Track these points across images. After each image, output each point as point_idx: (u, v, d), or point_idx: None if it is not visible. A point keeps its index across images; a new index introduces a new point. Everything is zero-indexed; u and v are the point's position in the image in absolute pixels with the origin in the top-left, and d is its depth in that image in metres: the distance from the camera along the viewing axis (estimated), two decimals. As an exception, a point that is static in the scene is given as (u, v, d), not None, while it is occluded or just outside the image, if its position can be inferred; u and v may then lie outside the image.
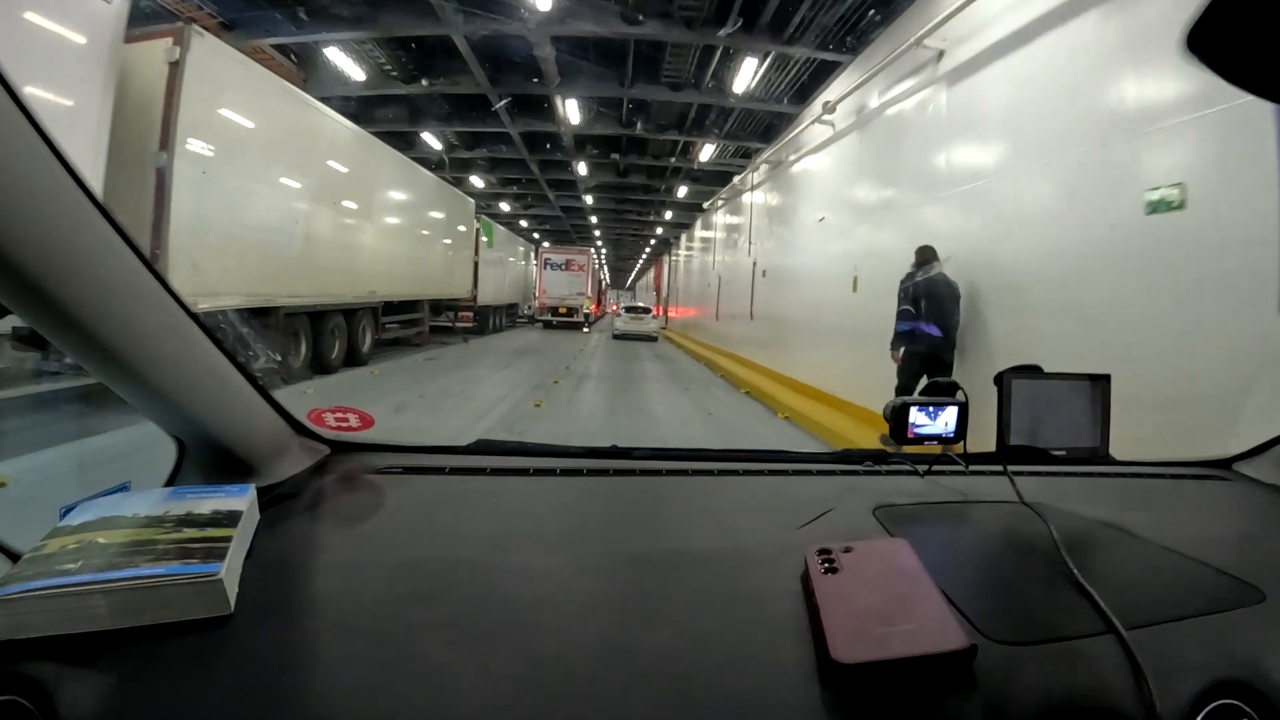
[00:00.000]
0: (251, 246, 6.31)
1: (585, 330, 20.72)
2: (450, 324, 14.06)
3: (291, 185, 7.09)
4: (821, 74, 8.06)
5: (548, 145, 12.59)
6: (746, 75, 8.11)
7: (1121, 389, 0.83)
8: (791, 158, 8.96)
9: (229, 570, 0.52)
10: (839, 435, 5.09)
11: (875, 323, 5.14)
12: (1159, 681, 0.50)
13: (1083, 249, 3.44)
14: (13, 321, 3.56)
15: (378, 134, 9.76)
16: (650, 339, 17.91)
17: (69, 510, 0.60)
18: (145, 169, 5.08)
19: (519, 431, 5.12)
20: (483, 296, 15.36)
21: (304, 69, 9.02)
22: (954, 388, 0.85)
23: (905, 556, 0.60)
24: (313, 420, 0.85)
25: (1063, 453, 0.79)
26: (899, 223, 5.65)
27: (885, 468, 0.96)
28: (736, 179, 12.03)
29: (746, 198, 11.59)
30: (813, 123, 7.58)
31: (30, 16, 3.80)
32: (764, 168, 10.44)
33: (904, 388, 4.36)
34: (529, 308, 22.12)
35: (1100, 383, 0.82)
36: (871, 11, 6.70)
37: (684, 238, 21.74)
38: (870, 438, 4.62)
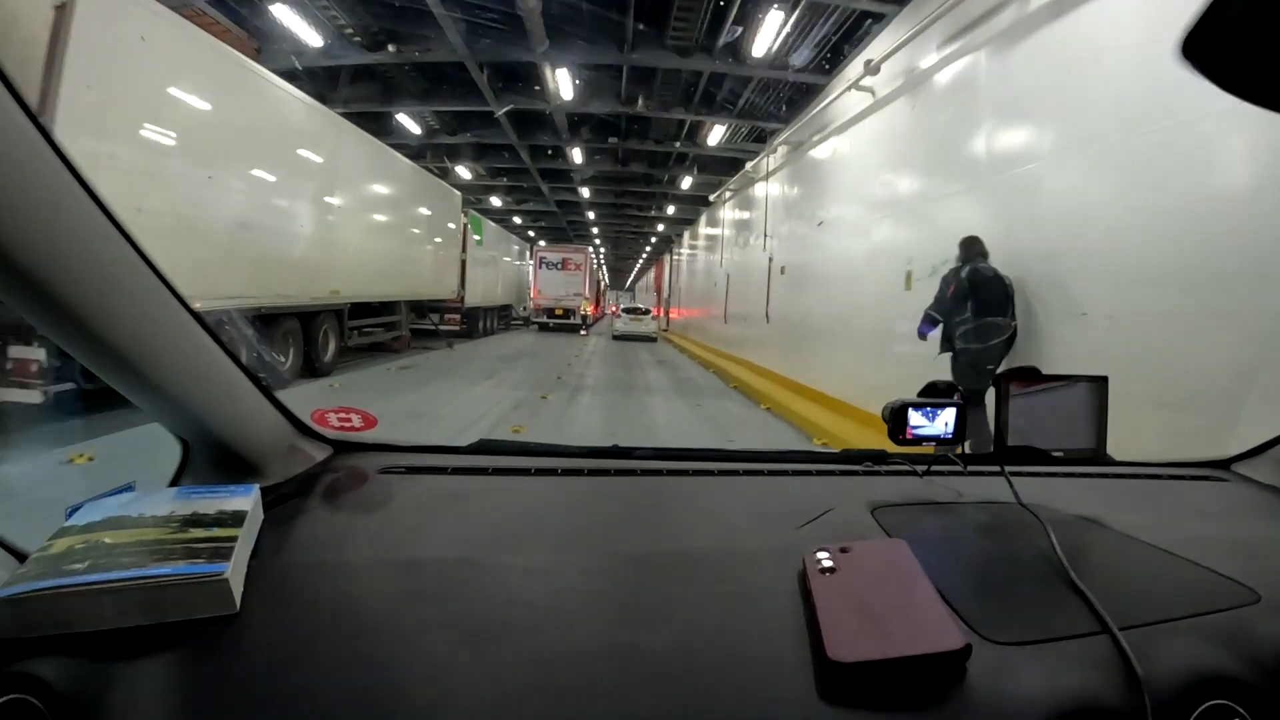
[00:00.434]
0: (164, 235, 5.10)
1: (583, 333, 19.88)
2: (434, 327, 12.94)
3: (221, 163, 5.87)
4: (853, 34, 6.88)
5: (538, 127, 11.30)
6: (768, 34, 6.87)
7: None
8: (816, 137, 7.77)
9: (234, 570, 0.53)
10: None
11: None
12: (1152, 681, 0.50)
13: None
14: None
15: (347, 116, 8.61)
16: (649, 339, 17.90)
17: (75, 510, 0.60)
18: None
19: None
20: (471, 297, 14.29)
21: (257, 39, 7.86)
22: (952, 389, 0.85)
23: (903, 557, 0.61)
24: (316, 420, 0.86)
25: (1061, 454, 0.80)
26: (969, 206, 4.53)
27: (884, 468, 0.96)
28: (749, 165, 10.79)
29: (760, 187, 10.37)
30: (849, 89, 6.37)
31: None
32: (782, 151, 9.24)
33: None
34: (524, 309, 21.22)
35: (1098, 384, 0.82)
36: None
37: (686, 235, 20.73)
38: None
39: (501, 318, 18.52)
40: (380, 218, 9.70)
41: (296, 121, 7.22)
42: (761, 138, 10.38)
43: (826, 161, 7.58)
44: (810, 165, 8.16)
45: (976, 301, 3.68)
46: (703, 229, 17.40)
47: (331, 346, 8.23)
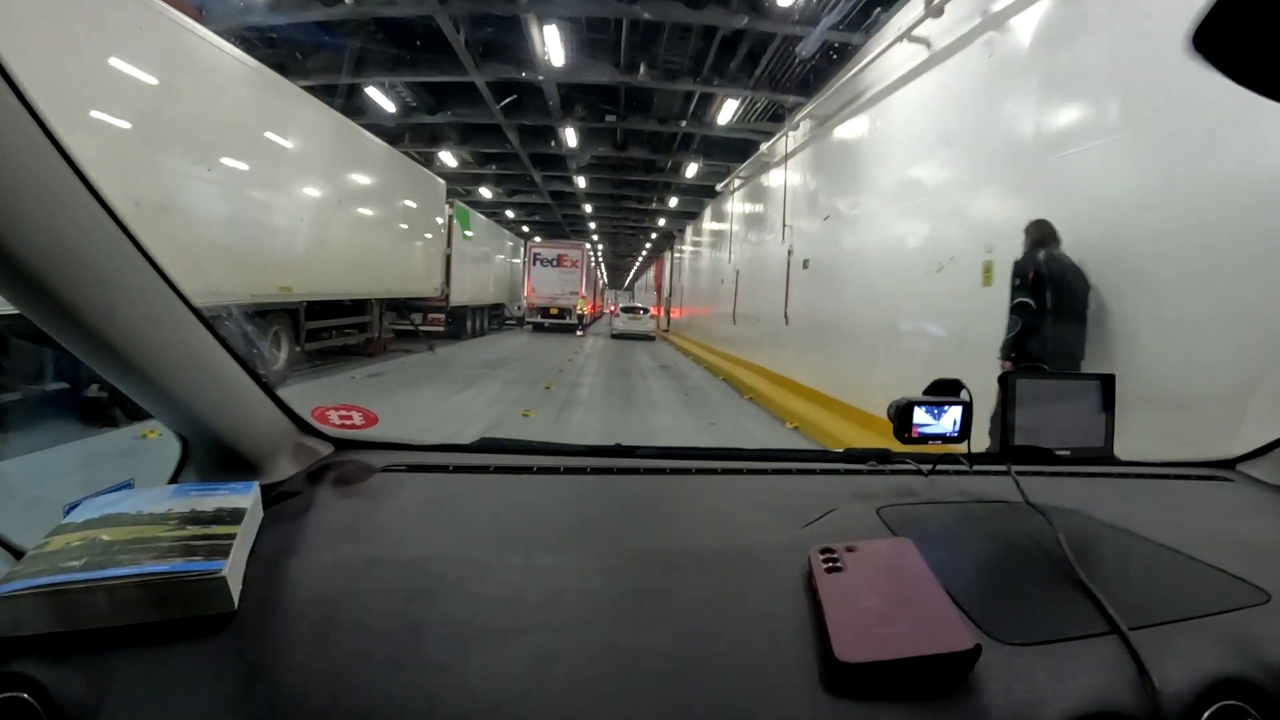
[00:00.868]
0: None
1: (579, 334, 18.83)
2: (414, 328, 11.79)
3: (132, 134, 4.70)
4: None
5: (527, 103, 10.08)
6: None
7: None
8: (852, 104, 6.60)
9: (233, 568, 0.52)
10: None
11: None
12: (1163, 682, 0.49)
13: None
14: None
15: (311, 91, 7.47)
16: (648, 338, 17.94)
17: (72, 507, 0.60)
18: None
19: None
20: (457, 295, 13.18)
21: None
22: (958, 386, 0.83)
23: (909, 556, 0.60)
24: (316, 418, 0.86)
25: (1067, 453, 0.80)
26: (1082, 172, 3.41)
27: (889, 467, 0.96)
28: (765, 146, 9.59)
29: (778, 173, 9.18)
30: (900, 39, 5.21)
31: None
32: (805, 128, 8.06)
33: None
34: (518, 308, 20.19)
35: (1105, 382, 0.81)
36: None
37: (689, 230, 19.58)
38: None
39: (493, 317, 17.65)
40: (346, 205, 8.53)
41: (235, 87, 6.06)
42: (778, 116, 9.19)
43: (866, 135, 6.40)
44: (843, 141, 6.98)
45: (1060, 291, 3.29)
46: (707, 223, 16.22)
47: (284, 352, 7.08)
